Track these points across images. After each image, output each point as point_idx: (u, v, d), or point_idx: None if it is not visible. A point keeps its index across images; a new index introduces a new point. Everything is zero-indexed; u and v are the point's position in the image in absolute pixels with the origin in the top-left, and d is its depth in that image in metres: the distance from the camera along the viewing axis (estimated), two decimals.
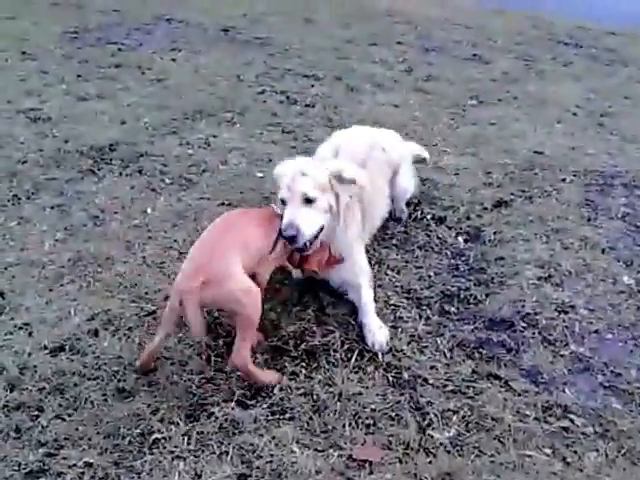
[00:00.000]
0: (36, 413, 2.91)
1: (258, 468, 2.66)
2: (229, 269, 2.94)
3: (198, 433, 2.80)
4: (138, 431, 2.81)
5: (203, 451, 2.73)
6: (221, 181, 4.83)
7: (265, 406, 2.94)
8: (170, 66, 7.30)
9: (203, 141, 5.42)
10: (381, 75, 7.27)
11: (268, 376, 3.07)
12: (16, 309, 3.52)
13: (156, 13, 9.49)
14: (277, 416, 2.90)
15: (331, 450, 2.74)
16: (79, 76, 6.95)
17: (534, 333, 3.45)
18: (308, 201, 3.33)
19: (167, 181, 4.81)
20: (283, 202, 3.37)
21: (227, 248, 3.00)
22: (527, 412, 2.97)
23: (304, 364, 3.19)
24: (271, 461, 2.68)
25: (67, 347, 3.26)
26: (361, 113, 6.01)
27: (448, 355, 3.29)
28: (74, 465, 2.67)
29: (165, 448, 2.74)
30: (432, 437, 2.83)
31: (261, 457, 2.70)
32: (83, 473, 2.64)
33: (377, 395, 3.02)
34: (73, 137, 5.49)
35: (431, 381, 3.12)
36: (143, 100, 6.28)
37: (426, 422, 2.90)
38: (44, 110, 6.05)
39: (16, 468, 2.66)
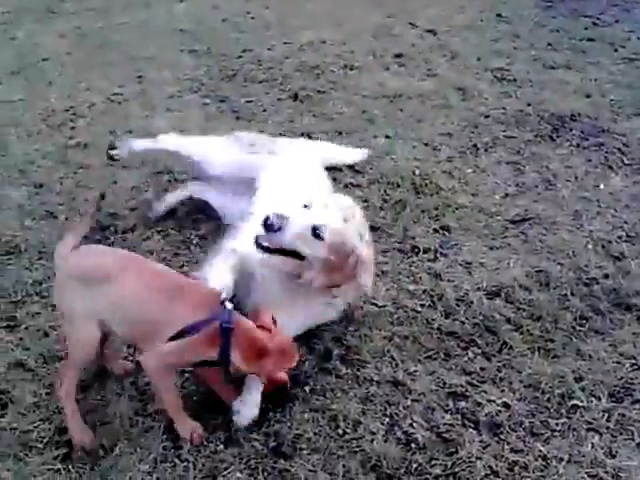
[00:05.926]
0: (465, 345, 3.11)
1: None
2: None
3: (619, 414, 2.74)
4: (559, 392, 2.84)
5: (621, 433, 2.67)
6: None
7: None
8: None
9: None
10: None
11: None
12: (459, 247, 3.78)
13: None
14: None
15: None
16: (549, 44, 6.95)
17: None
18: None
19: (626, 161, 4.61)
20: None
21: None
22: None
23: None
24: None
25: (502, 294, 3.41)
26: None
27: None
28: (493, 401, 2.81)
29: (583, 417, 2.74)
30: None
31: None
32: (500, 412, 2.77)
33: None
34: (535, 101, 5.55)
35: None
36: (611, 77, 6.05)
37: None
38: (511, 72, 6.20)
39: (441, 385, 2.90)
